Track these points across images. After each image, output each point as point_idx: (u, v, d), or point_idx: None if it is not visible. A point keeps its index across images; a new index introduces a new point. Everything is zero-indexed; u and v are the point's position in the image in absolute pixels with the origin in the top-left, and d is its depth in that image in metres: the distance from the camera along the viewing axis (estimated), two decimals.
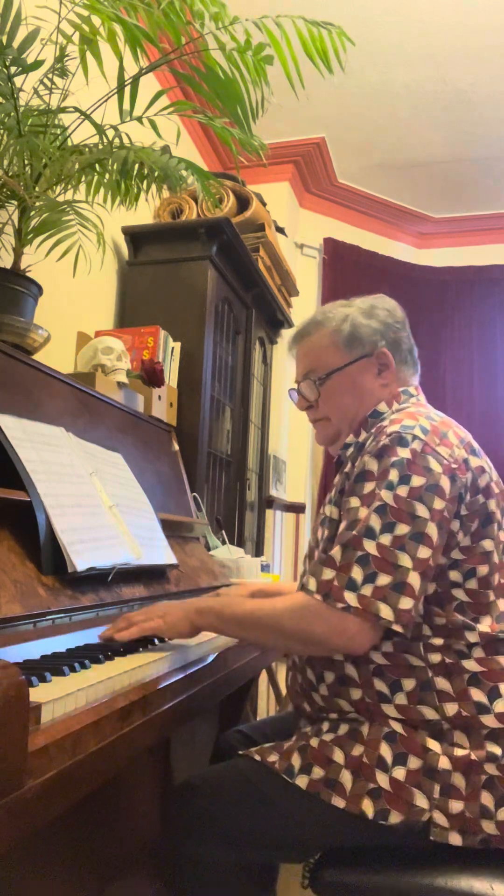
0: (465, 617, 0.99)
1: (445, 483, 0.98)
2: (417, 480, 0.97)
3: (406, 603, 0.92)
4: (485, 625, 1.00)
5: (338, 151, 3.75)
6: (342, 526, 1.00)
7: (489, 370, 4.08)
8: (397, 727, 0.97)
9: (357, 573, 0.93)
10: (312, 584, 0.96)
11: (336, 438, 1.23)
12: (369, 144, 3.66)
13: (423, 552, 0.94)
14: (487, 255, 4.23)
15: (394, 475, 0.97)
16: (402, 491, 0.96)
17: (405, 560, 0.93)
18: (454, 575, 1.01)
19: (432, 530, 0.95)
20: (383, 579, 0.92)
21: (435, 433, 1.03)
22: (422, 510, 0.95)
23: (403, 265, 4.26)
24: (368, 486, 0.99)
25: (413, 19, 2.83)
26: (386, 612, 0.91)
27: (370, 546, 0.94)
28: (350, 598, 0.92)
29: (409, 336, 1.23)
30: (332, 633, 0.94)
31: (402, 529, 0.94)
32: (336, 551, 0.97)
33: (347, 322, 1.20)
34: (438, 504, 0.96)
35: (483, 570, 1.01)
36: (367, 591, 0.92)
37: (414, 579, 0.93)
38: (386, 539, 0.94)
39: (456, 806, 0.91)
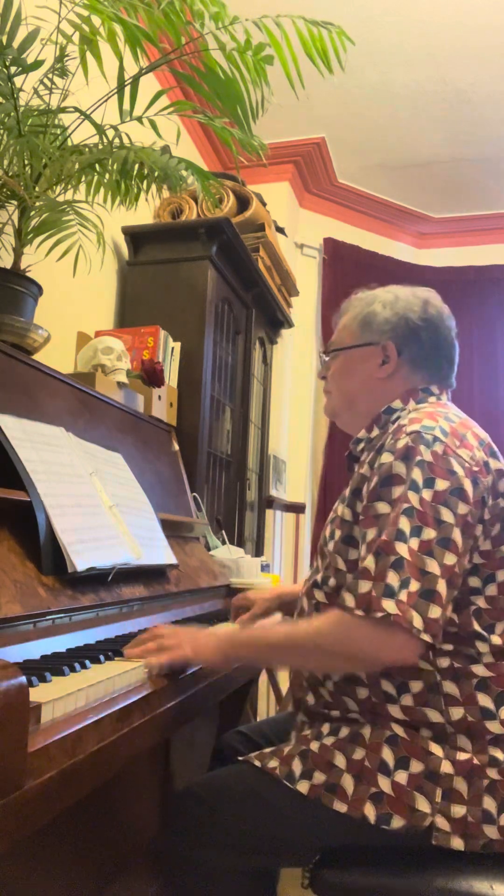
0: (481, 624, 0.97)
1: (468, 487, 0.95)
2: (441, 484, 0.94)
3: (435, 612, 0.88)
4: (497, 634, 0.98)
5: (338, 151, 3.75)
6: (371, 533, 0.95)
7: (489, 370, 4.08)
8: (399, 730, 0.96)
9: (393, 579, 0.89)
10: (350, 600, 0.92)
11: (333, 415, 1.23)
12: (369, 144, 3.66)
13: (450, 559, 0.91)
14: (487, 255, 4.23)
15: (418, 476, 0.94)
16: (427, 495, 0.93)
17: (433, 566, 0.90)
18: (473, 581, 0.98)
19: (458, 536, 0.92)
20: (414, 585, 0.89)
21: (455, 435, 1.00)
22: (447, 515, 0.92)
23: (403, 265, 4.26)
24: (397, 491, 0.95)
25: (413, 19, 2.83)
26: (417, 621, 0.87)
27: (402, 549, 0.90)
28: (388, 605, 0.87)
29: (435, 338, 1.15)
30: (380, 648, 0.89)
31: (429, 534, 0.91)
32: (369, 561, 0.92)
33: (368, 307, 1.19)
34: (463, 509, 0.94)
35: (502, 575, 0.99)
36: (403, 596, 0.88)
37: (441, 587, 0.89)
38: (414, 543, 0.91)
39: (458, 810, 0.91)
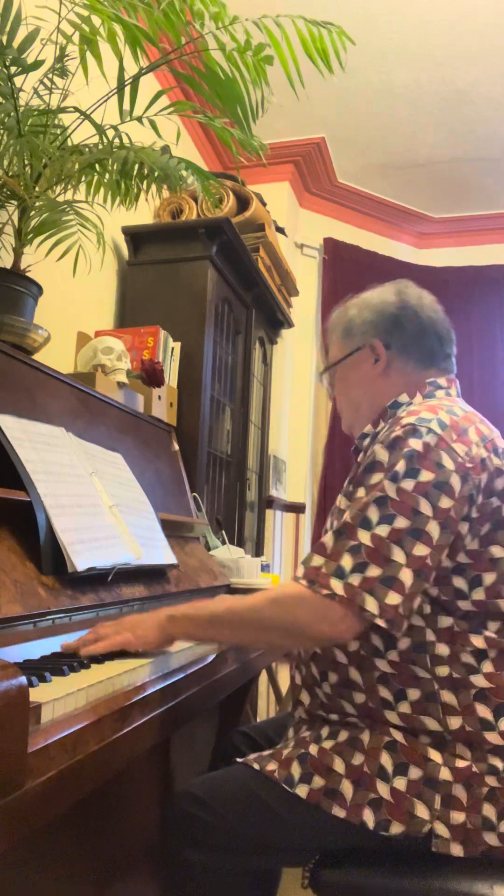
0: (472, 623, 0.97)
1: (456, 482, 0.93)
2: (426, 476, 0.92)
3: (393, 598, 0.88)
4: (492, 630, 0.97)
5: (338, 151, 3.75)
6: (346, 515, 0.96)
7: (489, 370, 4.08)
8: (398, 736, 0.95)
9: (346, 561, 0.90)
10: (300, 570, 0.94)
11: (350, 429, 1.24)
12: (369, 144, 3.66)
13: (420, 549, 0.90)
14: (487, 255, 4.23)
15: (400, 467, 0.93)
16: (408, 484, 0.92)
17: (399, 555, 0.90)
18: (459, 581, 0.96)
19: (433, 529, 0.91)
20: (373, 571, 0.89)
21: (454, 428, 0.98)
22: (425, 507, 0.91)
23: (403, 265, 4.26)
24: (376, 477, 0.95)
25: (413, 19, 2.83)
26: (371, 604, 0.88)
27: (364, 536, 0.91)
28: (336, 585, 0.89)
29: (418, 320, 1.14)
30: (315, 619, 0.91)
31: (401, 523, 0.91)
32: (328, 538, 0.94)
33: (346, 316, 1.20)
34: (445, 503, 0.92)
35: (490, 578, 0.97)
36: (354, 580, 0.89)
37: (405, 576, 0.89)
38: (382, 530, 0.91)
39: (457, 817, 0.90)
